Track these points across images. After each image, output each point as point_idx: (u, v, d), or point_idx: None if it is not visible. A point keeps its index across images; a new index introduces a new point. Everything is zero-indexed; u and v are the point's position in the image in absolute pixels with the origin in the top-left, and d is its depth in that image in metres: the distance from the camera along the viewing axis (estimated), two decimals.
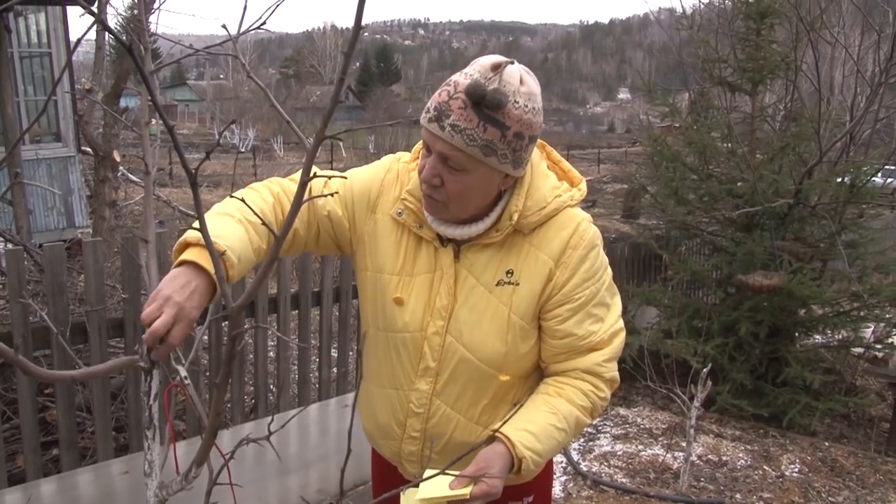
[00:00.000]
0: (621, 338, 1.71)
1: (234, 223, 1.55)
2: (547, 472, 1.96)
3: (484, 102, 1.45)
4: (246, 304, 1.24)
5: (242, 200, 1.29)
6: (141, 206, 14.96)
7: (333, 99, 1.12)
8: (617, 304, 1.73)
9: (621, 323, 1.73)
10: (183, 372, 1.53)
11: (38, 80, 10.13)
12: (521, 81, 1.49)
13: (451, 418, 1.70)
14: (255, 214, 1.28)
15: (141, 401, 3.12)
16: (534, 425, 1.60)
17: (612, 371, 1.70)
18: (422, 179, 1.57)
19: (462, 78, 1.49)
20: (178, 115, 59.55)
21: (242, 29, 1.36)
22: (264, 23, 1.56)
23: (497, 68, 1.47)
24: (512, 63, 1.49)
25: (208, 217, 1.50)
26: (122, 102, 9.24)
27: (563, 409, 1.64)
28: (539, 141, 1.68)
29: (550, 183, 1.66)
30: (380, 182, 1.74)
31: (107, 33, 7.20)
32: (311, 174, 1.14)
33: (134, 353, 1.48)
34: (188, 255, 1.43)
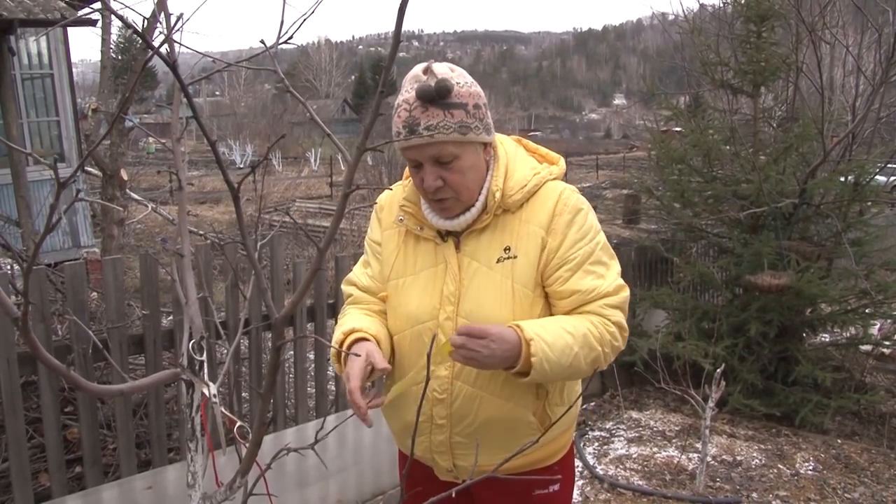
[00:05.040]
0: (626, 292, 1.82)
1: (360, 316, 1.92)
2: (569, 463, 2.03)
3: (437, 95, 1.64)
4: (289, 315, 1.27)
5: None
6: (144, 223, 14.98)
7: (374, 111, 1.16)
8: (615, 265, 1.85)
9: (622, 281, 1.83)
10: (213, 389, 1.56)
11: (41, 101, 10.15)
12: (451, 69, 1.72)
13: (473, 397, 1.78)
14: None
15: (162, 417, 3.15)
16: (541, 321, 1.73)
17: (618, 317, 1.79)
18: (426, 190, 1.73)
19: (405, 95, 1.68)
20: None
21: (277, 42, 1.39)
22: (291, 37, 1.59)
23: (426, 70, 1.69)
24: (433, 62, 1.73)
25: (344, 324, 1.87)
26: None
27: (571, 320, 1.74)
28: (514, 137, 1.93)
29: (529, 165, 1.84)
30: (376, 216, 1.97)
31: (109, 52, 7.24)
32: (353, 187, 1.17)
33: (176, 366, 1.51)
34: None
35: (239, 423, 1.47)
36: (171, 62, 1.22)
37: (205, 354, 1.45)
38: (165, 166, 21.74)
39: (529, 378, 1.65)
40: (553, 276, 1.76)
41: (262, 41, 1.28)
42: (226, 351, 3.44)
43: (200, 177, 29.24)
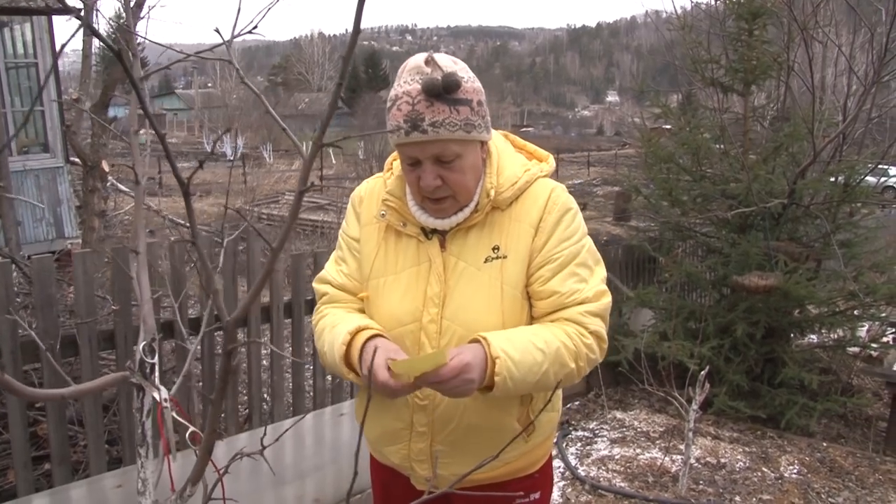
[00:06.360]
0: (608, 299, 1.74)
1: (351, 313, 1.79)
2: (550, 469, 1.97)
3: (444, 90, 1.54)
4: (241, 318, 1.21)
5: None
6: (130, 215, 14.86)
7: (331, 105, 1.09)
8: (600, 271, 1.77)
9: (605, 287, 1.76)
10: (165, 394, 1.49)
11: (25, 90, 10.04)
12: (454, 61, 1.63)
13: (457, 403, 1.69)
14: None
15: (133, 415, 3.07)
16: (512, 335, 1.62)
17: (597, 325, 1.71)
18: (423, 188, 1.63)
19: (406, 87, 1.57)
20: (167, 124, 59.28)
21: (234, 34, 1.33)
22: (255, 27, 1.52)
23: (429, 62, 1.58)
24: (433, 53, 1.62)
25: (338, 323, 1.73)
26: (111, 112, 9.18)
27: (545, 334, 1.65)
28: (502, 132, 1.84)
29: (519, 161, 1.77)
30: (354, 210, 1.85)
31: (94, 42, 7.14)
32: (309, 184, 1.11)
33: (125, 369, 1.44)
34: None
35: (192, 429, 1.40)
36: (116, 51, 1.14)
37: (156, 357, 1.38)
38: (155, 157, 21.57)
39: (491, 394, 1.58)
40: (535, 274, 1.68)
41: (217, 30, 1.22)
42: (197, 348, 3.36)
43: (189, 168, 29.02)
